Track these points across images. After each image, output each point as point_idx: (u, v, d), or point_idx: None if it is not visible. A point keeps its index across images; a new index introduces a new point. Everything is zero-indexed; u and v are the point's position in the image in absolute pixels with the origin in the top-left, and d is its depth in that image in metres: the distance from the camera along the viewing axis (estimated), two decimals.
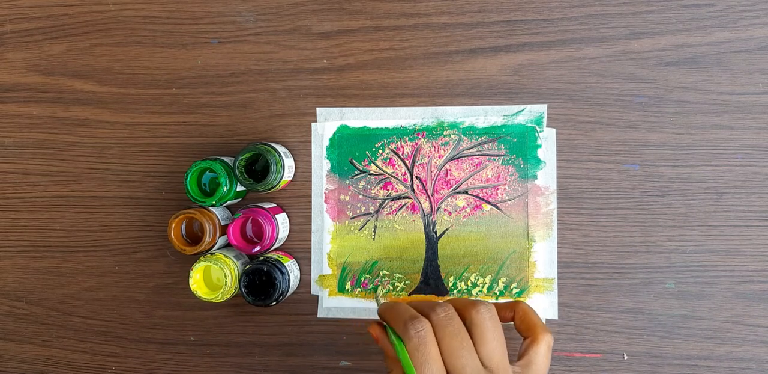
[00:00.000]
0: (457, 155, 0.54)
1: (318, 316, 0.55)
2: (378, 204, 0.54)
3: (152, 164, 0.57)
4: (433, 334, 0.38)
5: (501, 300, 0.53)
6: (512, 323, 0.44)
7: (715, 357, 0.52)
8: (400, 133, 0.54)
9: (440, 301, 0.41)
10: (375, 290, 0.49)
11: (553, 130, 0.53)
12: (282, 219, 0.54)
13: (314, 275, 0.55)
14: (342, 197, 0.55)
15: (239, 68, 0.55)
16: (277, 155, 0.51)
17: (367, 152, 0.55)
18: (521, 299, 0.53)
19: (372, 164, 0.55)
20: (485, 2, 0.53)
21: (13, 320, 0.59)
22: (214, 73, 0.56)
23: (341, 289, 0.55)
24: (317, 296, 0.55)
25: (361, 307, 0.55)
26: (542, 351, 0.41)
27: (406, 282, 0.54)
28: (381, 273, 0.54)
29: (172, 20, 0.56)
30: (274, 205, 0.55)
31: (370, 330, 0.42)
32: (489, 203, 0.54)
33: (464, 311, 0.40)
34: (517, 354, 0.42)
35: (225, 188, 0.51)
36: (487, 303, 0.40)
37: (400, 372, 0.39)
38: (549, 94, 0.53)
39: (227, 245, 0.55)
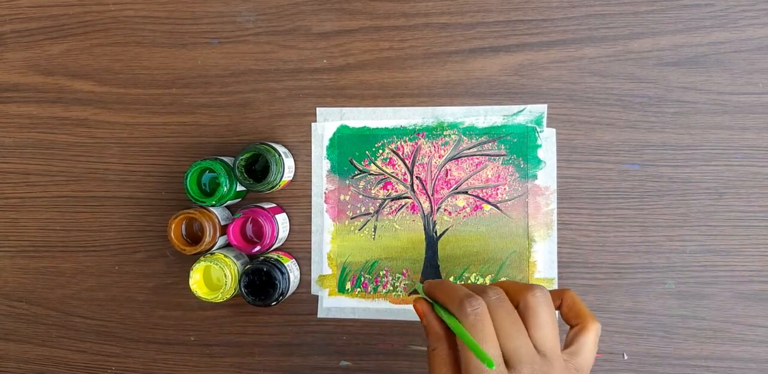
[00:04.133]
0: (457, 155, 0.54)
1: (318, 316, 0.55)
2: (378, 204, 0.54)
3: (152, 164, 0.57)
4: (488, 313, 0.37)
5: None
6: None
7: (715, 357, 0.52)
8: (400, 133, 0.54)
9: (489, 284, 0.41)
10: (413, 286, 0.53)
11: (553, 130, 0.53)
12: (282, 219, 0.54)
13: (314, 275, 0.55)
14: (342, 197, 0.55)
15: (239, 68, 0.55)
16: (277, 155, 0.51)
17: (367, 152, 0.54)
18: None
19: (372, 164, 0.55)
20: (485, 2, 0.53)
21: (13, 320, 0.59)
22: (214, 73, 0.56)
23: (341, 289, 0.55)
24: (317, 296, 0.55)
25: (361, 307, 0.55)
26: (591, 339, 0.40)
27: (406, 282, 0.54)
28: (381, 273, 0.54)
29: (172, 20, 0.56)
30: (274, 205, 0.55)
31: (416, 305, 0.41)
32: (489, 203, 0.54)
33: (518, 294, 0.39)
34: (564, 342, 0.41)
35: (225, 188, 0.51)
36: (542, 287, 0.39)
37: (445, 349, 0.38)
38: (549, 94, 0.53)
39: (227, 245, 0.55)
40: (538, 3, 0.53)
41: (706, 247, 0.52)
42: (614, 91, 0.52)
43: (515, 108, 0.53)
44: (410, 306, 0.54)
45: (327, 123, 0.55)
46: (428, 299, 0.41)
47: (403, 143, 0.54)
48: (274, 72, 0.55)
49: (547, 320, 0.38)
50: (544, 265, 0.53)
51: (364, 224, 0.55)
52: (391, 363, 0.55)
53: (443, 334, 0.39)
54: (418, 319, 0.54)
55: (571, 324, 0.41)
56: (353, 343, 0.55)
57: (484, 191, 0.54)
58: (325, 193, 0.55)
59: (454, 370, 0.37)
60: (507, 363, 0.36)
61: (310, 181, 0.55)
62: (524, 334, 0.37)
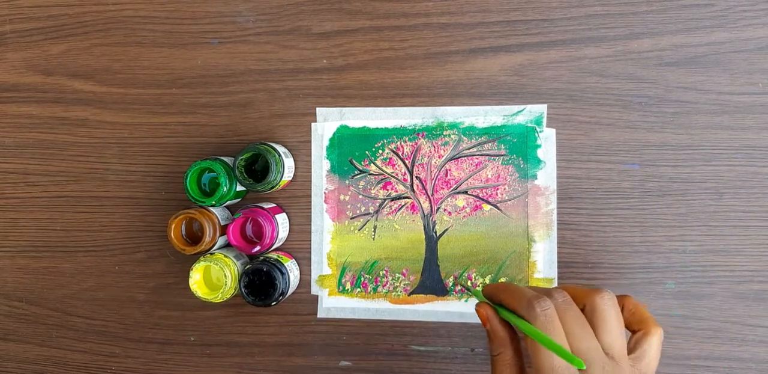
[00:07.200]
0: (457, 155, 0.54)
1: (318, 316, 0.55)
2: (378, 204, 0.54)
3: (152, 164, 0.57)
4: (557, 314, 0.36)
5: None
6: None
7: (715, 357, 0.52)
8: (400, 133, 0.54)
9: (554, 287, 0.40)
10: (463, 285, 0.50)
11: (553, 130, 0.53)
12: (282, 219, 0.54)
13: (314, 275, 0.55)
14: (342, 197, 0.55)
15: (239, 68, 0.55)
16: (277, 155, 0.51)
17: (367, 152, 0.54)
18: None
19: (372, 164, 0.55)
20: (485, 2, 0.53)
21: (13, 320, 0.59)
22: (214, 73, 0.56)
23: (341, 289, 0.55)
24: (317, 296, 0.55)
25: (361, 307, 0.55)
26: (655, 343, 0.39)
27: (406, 282, 0.54)
28: (381, 273, 0.54)
29: (172, 20, 0.56)
30: (274, 205, 0.55)
31: (479, 310, 0.40)
32: (489, 203, 0.54)
33: (584, 297, 0.38)
34: (627, 347, 0.40)
35: (225, 188, 0.51)
36: (609, 291, 0.39)
37: (510, 354, 0.38)
38: (549, 94, 0.53)
39: (227, 245, 0.55)
40: (538, 3, 0.53)
41: (706, 247, 0.52)
42: (614, 92, 0.52)
43: (515, 108, 0.53)
44: (410, 306, 0.54)
45: (327, 123, 0.55)
46: (490, 303, 0.40)
47: (403, 143, 0.54)
48: (274, 72, 0.55)
49: (615, 324, 0.37)
50: (544, 265, 0.53)
51: (364, 224, 0.55)
52: (391, 363, 0.55)
53: (508, 338, 0.39)
54: (416, 319, 0.54)
55: (633, 330, 0.41)
56: (353, 343, 0.55)
57: (483, 191, 0.54)
58: (325, 193, 0.55)
59: None
60: None
61: (310, 181, 0.55)
62: (593, 336, 0.37)
